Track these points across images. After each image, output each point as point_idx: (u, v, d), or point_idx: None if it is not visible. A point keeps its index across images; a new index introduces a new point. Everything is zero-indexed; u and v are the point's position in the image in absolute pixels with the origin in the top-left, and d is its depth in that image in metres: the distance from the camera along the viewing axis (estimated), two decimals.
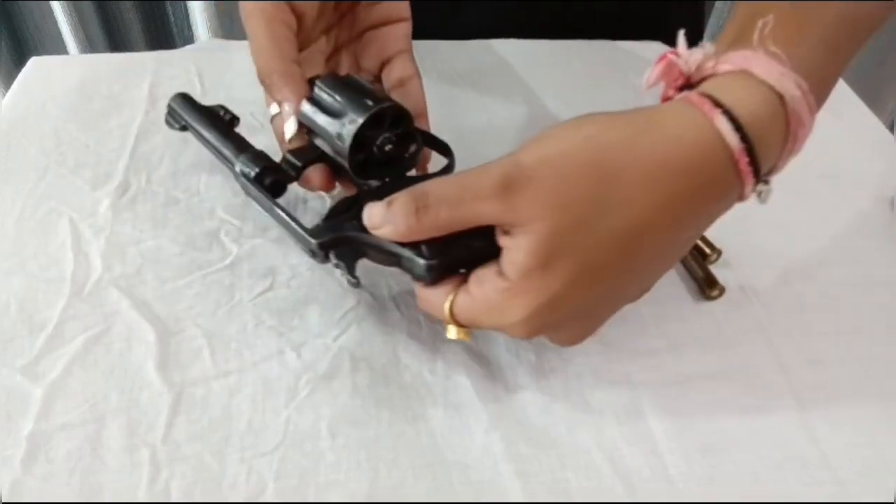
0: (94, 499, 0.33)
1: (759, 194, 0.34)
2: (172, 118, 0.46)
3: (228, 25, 1.19)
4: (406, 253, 0.34)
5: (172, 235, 0.45)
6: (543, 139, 0.32)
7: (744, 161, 0.31)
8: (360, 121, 0.37)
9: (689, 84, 0.34)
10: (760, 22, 0.32)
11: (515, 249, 0.31)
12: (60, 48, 1.17)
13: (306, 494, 0.34)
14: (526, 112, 0.57)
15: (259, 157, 0.40)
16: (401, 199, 0.33)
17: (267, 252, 0.44)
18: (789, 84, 0.31)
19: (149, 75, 0.57)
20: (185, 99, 0.46)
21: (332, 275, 0.43)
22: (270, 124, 0.41)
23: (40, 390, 0.36)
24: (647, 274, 0.35)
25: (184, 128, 0.46)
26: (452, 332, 0.35)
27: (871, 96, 1.16)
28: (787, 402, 0.39)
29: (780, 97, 0.31)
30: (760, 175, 0.32)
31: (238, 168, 0.40)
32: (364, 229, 0.35)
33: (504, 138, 0.54)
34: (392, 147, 0.39)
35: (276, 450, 0.35)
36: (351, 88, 0.39)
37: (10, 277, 0.42)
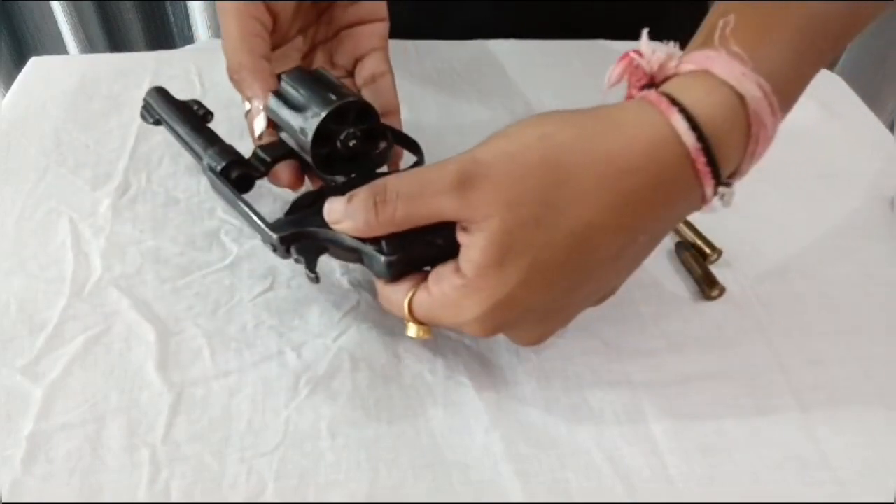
0: (94, 499, 0.33)
1: (722, 197, 0.33)
2: (147, 112, 0.46)
3: None
4: (366, 249, 0.35)
5: (172, 235, 0.45)
6: (501, 137, 0.32)
7: (701, 161, 0.30)
8: (323, 114, 0.37)
9: (653, 84, 0.33)
10: (721, 21, 0.31)
11: (472, 247, 0.32)
12: (60, 48, 1.17)
13: (306, 494, 0.34)
14: (525, 112, 0.57)
15: (227, 152, 0.40)
16: (360, 193, 0.33)
17: (267, 252, 0.44)
18: (750, 85, 0.30)
19: (149, 75, 0.57)
20: (161, 93, 0.46)
21: (331, 276, 0.43)
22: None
23: (40, 390, 0.36)
24: (606, 276, 0.34)
25: (157, 122, 0.45)
26: (412, 329, 0.36)
27: (871, 96, 1.16)
28: (787, 402, 0.39)
29: (741, 98, 0.31)
30: (721, 177, 0.31)
31: (205, 161, 0.40)
32: (326, 224, 0.35)
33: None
34: (357, 143, 0.39)
35: (276, 450, 0.35)
36: (316, 83, 0.39)
37: (10, 277, 0.42)
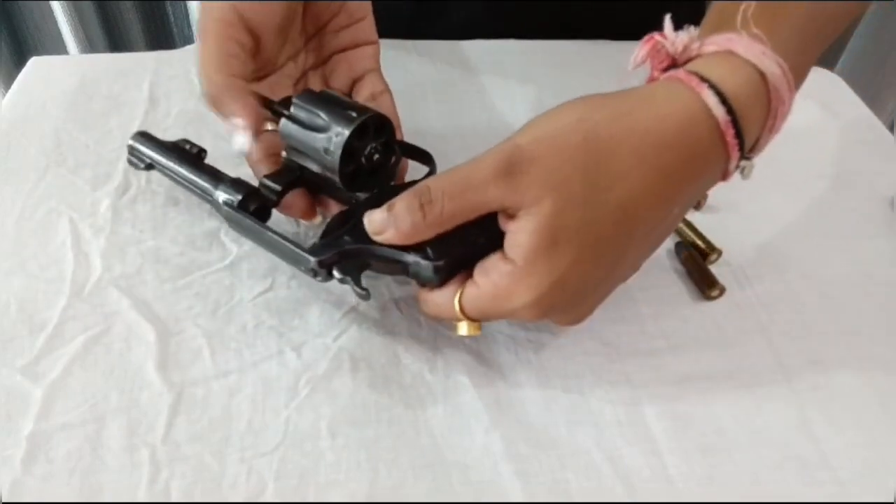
0: (94, 499, 0.33)
1: (742, 170, 0.35)
2: (136, 158, 0.45)
3: None
4: (411, 258, 0.35)
5: (172, 235, 0.45)
6: (539, 122, 0.33)
7: (730, 133, 0.32)
8: (348, 132, 0.37)
9: (673, 66, 0.35)
10: (743, 5, 0.33)
11: (520, 232, 0.32)
12: (60, 48, 1.17)
13: (306, 494, 0.34)
14: (526, 112, 0.57)
15: (239, 184, 0.40)
16: (402, 199, 0.33)
17: (267, 252, 0.44)
18: (770, 63, 0.32)
19: (149, 75, 0.57)
20: (146, 137, 0.45)
21: None
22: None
23: (40, 390, 0.36)
24: (643, 248, 0.35)
25: (150, 166, 0.44)
26: (463, 328, 0.36)
27: (871, 96, 1.16)
28: (787, 402, 0.39)
29: (762, 75, 0.32)
30: (745, 149, 0.33)
31: (221, 198, 0.39)
32: (364, 241, 0.35)
33: (503, 138, 0.54)
34: (379, 156, 0.39)
35: (276, 450, 0.35)
36: (331, 102, 0.38)
37: (10, 277, 0.42)
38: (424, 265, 0.34)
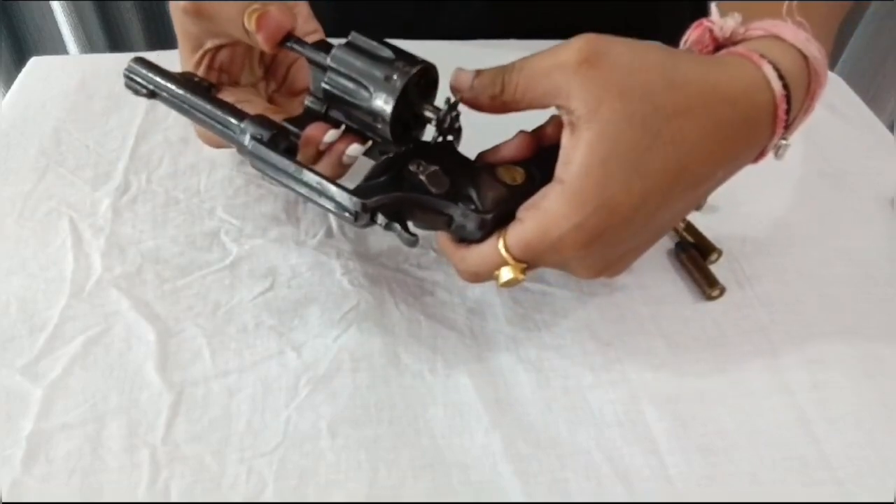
0: (94, 499, 0.33)
1: (778, 150, 0.37)
2: (137, 84, 0.41)
3: None
4: (459, 209, 0.34)
5: (172, 235, 0.45)
6: (624, 40, 0.33)
7: (782, 107, 0.34)
8: (414, 70, 0.35)
9: (718, 49, 0.37)
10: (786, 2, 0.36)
11: (575, 147, 0.32)
12: (60, 48, 1.17)
13: (306, 494, 0.34)
14: (525, 112, 0.57)
15: (265, 121, 0.37)
16: (488, 70, 0.35)
17: (267, 252, 0.44)
18: (813, 48, 0.35)
19: None
20: (147, 63, 0.41)
21: (332, 275, 0.43)
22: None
23: (40, 390, 0.36)
24: (681, 206, 0.36)
25: (152, 94, 0.40)
26: (506, 273, 0.34)
27: (871, 96, 1.16)
28: (787, 401, 0.39)
29: (805, 59, 0.35)
30: (788, 127, 0.35)
31: (249, 132, 0.36)
32: (413, 188, 0.34)
33: (504, 138, 0.54)
34: (427, 112, 0.37)
35: (276, 450, 0.35)
36: (386, 44, 0.36)
37: (10, 277, 0.42)
38: (471, 216, 0.34)
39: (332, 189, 0.34)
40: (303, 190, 0.35)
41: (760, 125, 0.34)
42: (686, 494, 0.35)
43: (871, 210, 0.51)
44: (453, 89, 0.35)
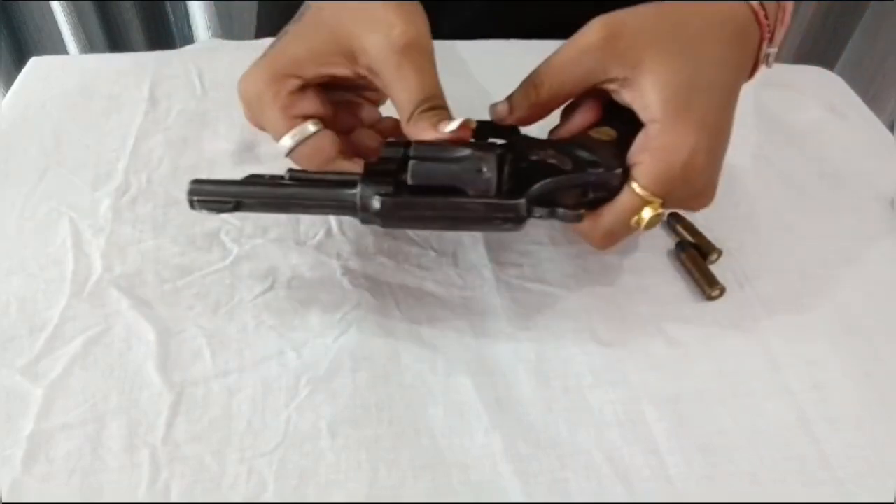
0: (94, 499, 0.33)
1: (767, 58, 0.41)
2: (211, 203, 0.36)
3: (228, 25, 1.19)
4: (592, 175, 0.37)
5: (172, 235, 0.45)
6: (619, 11, 0.37)
7: (761, 14, 0.38)
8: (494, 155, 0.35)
9: None
10: None
11: (647, 92, 0.36)
12: (60, 48, 1.17)
13: (306, 494, 0.34)
14: None
15: (377, 173, 0.35)
16: (519, 87, 0.39)
17: (267, 252, 0.44)
18: None
19: (149, 75, 0.57)
20: (208, 181, 0.37)
21: (332, 275, 0.43)
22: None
23: (40, 390, 0.36)
24: (721, 130, 0.38)
25: (238, 205, 0.36)
26: (647, 212, 0.37)
27: (871, 96, 1.16)
28: (787, 402, 0.39)
29: None
30: (772, 37, 0.40)
31: (376, 198, 0.34)
32: (548, 174, 0.36)
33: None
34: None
35: (276, 450, 0.35)
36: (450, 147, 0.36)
37: (10, 277, 0.42)
38: (608, 176, 0.36)
39: (488, 202, 0.34)
40: (450, 221, 0.36)
41: (751, 32, 0.39)
42: (686, 494, 0.35)
43: (871, 210, 0.51)
44: (497, 122, 0.39)
